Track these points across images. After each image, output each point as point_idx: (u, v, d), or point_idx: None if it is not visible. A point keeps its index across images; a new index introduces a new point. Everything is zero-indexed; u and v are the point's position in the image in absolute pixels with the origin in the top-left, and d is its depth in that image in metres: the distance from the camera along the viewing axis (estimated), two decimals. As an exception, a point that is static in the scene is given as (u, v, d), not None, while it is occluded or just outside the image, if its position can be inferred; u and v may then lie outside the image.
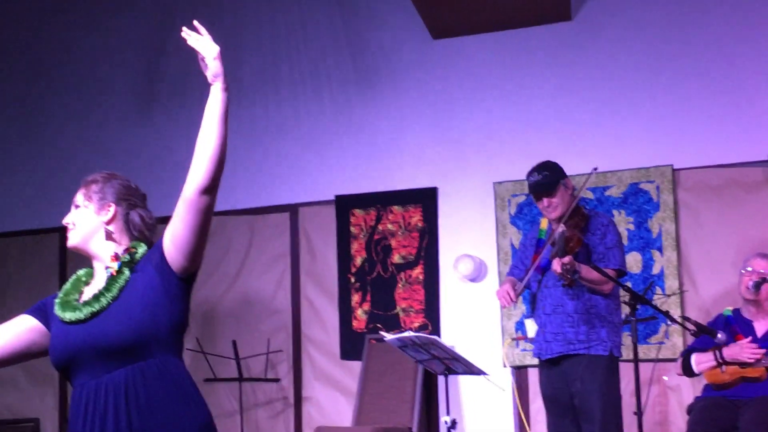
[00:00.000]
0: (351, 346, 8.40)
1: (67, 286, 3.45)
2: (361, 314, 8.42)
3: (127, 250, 3.39)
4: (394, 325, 8.24)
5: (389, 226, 8.41)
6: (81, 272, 3.50)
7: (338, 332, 8.48)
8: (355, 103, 8.66)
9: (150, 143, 9.28)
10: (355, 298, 8.45)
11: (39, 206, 9.44)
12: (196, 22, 3.24)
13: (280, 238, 8.78)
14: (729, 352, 6.20)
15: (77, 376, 3.28)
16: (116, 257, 3.37)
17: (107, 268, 3.36)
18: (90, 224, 3.44)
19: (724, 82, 7.63)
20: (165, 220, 9.42)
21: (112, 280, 3.31)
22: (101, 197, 3.46)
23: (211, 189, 3.29)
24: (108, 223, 3.43)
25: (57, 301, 3.39)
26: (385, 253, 8.41)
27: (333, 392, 8.47)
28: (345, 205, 8.56)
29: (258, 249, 8.85)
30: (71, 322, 3.29)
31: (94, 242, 3.43)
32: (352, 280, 8.48)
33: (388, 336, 6.27)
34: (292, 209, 8.79)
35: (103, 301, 3.27)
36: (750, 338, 6.21)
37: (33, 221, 9.48)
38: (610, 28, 7.97)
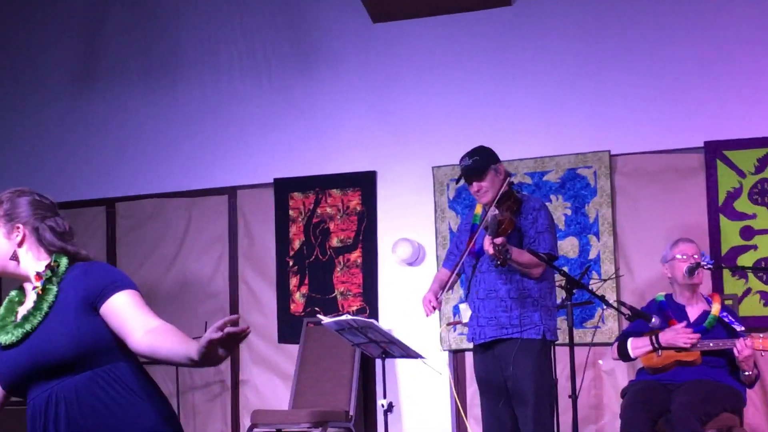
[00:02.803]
0: (288, 329, 8.38)
1: (2, 310, 3.42)
2: (298, 298, 8.40)
3: (48, 266, 3.35)
4: (332, 308, 8.23)
5: (328, 209, 8.40)
6: (12, 293, 3.47)
7: (276, 315, 8.46)
8: (294, 86, 8.63)
9: (88, 123, 9.18)
10: (293, 281, 8.43)
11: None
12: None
13: (218, 221, 8.74)
14: (665, 337, 6.25)
15: (30, 395, 3.30)
16: (39, 276, 3.34)
17: (34, 288, 3.33)
18: (2, 250, 3.39)
19: (662, 69, 7.69)
20: (101, 202, 9.20)
21: (40, 298, 3.29)
22: (8, 220, 3.40)
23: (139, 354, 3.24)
24: (20, 244, 3.39)
25: None
26: (323, 237, 8.39)
27: (270, 375, 8.46)
28: (284, 188, 8.53)
29: (196, 232, 8.80)
30: (8, 346, 3.28)
31: (12, 265, 3.39)
32: (290, 263, 8.46)
33: (326, 319, 6.26)
34: (231, 192, 8.75)
35: (34, 321, 3.25)
36: (684, 323, 6.27)
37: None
38: (549, 14, 8.00)
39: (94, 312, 3.25)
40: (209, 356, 2.92)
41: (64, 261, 3.36)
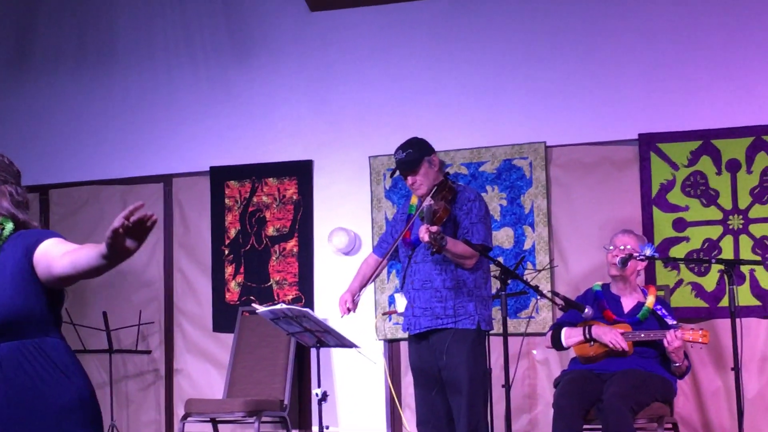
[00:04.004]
0: (224, 318, 8.35)
1: None
2: (234, 286, 8.37)
3: None
4: (268, 297, 8.21)
5: (264, 198, 8.37)
6: None
7: (211, 304, 8.43)
8: (231, 74, 8.58)
9: (21, 110, 9.06)
10: (229, 270, 8.40)
11: None
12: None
13: (154, 209, 8.57)
14: (597, 331, 6.32)
15: None
16: None
17: None
18: None
19: (597, 62, 7.74)
20: (34, 189, 9.11)
21: None
22: None
23: (63, 281, 3.19)
24: None
25: None
26: (259, 226, 8.37)
27: (205, 364, 8.42)
28: (220, 176, 8.49)
29: (131, 220, 8.72)
30: None
31: None
32: (226, 252, 8.43)
33: (261, 308, 6.25)
34: (166, 180, 8.69)
35: None
36: (621, 331, 6.30)
37: None
38: (486, 5, 8.02)
39: (31, 277, 3.20)
40: (117, 247, 2.91)
41: (9, 225, 3.32)
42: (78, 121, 8.91)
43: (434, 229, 5.65)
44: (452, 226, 5.95)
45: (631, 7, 7.73)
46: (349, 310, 6.17)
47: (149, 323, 8.46)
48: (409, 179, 6.04)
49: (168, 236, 8.64)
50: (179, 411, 8.21)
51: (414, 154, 6.01)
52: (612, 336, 6.26)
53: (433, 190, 5.95)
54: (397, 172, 6.14)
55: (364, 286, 6.32)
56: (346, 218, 8.17)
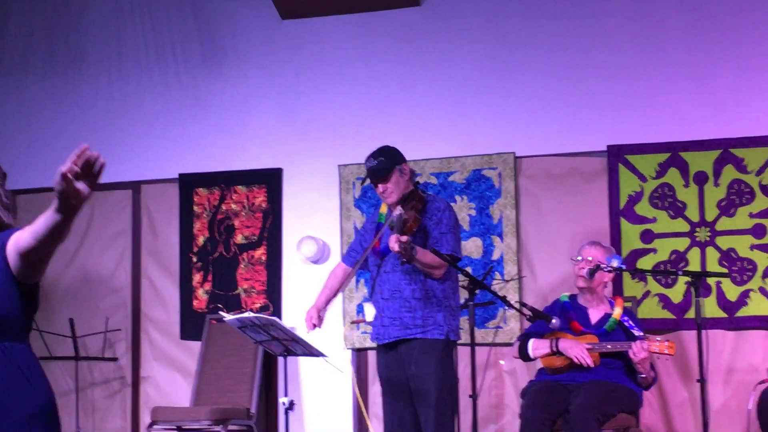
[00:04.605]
0: (191, 326, 8.32)
1: None
2: (202, 294, 8.34)
3: None
4: (236, 305, 8.19)
5: (233, 206, 8.36)
6: None
7: (178, 312, 8.40)
8: (200, 81, 8.56)
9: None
10: (197, 277, 8.37)
11: None
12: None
13: (122, 216, 8.63)
14: (564, 344, 6.34)
15: None
16: None
17: None
18: None
19: (567, 74, 7.77)
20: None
21: None
22: None
23: (29, 258, 3.15)
24: None
25: None
26: (228, 233, 8.35)
27: (172, 372, 8.39)
28: (188, 183, 8.46)
29: (98, 226, 8.69)
30: None
31: None
32: (194, 259, 8.40)
33: (228, 316, 6.24)
34: (135, 186, 8.65)
35: None
36: (588, 345, 6.33)
37: None
38: (457, 15, 8.05)
39: (7, 276, 3.19)
40: (69, 194, 2.84)
41: None
42: (46, 127, 8.86)
43: (404, 238, 5.64)
44: (422, 236, 5.95)
45: (600, 20, 7.76)
46: (314, 325, 6.17)
47: (116, 330, 8.42)
48: (380, 187, 6.04)
49: (136, 243, 8.60)
50: (146, 419, 8.16)
51: (385, 162, 6.00)
52: (578, 351, 6.29)
53: (403, 199, 5.95)
54: (368, 180, 6.14)
55: (330, 300, 6.32)
56: (315, 227, 8.16)
